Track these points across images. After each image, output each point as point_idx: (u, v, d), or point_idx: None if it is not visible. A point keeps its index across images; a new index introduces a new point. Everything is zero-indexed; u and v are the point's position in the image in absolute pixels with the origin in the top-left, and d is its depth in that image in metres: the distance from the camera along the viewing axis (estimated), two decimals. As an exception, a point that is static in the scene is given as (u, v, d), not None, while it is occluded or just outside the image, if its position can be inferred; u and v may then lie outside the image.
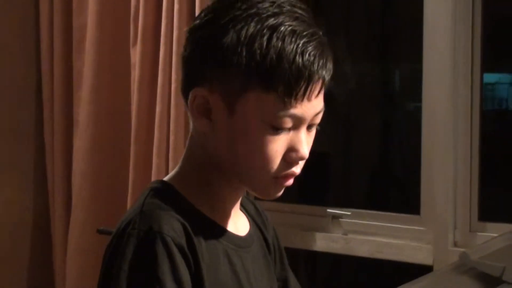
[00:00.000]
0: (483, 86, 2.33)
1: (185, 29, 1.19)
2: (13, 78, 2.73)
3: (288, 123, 1.08)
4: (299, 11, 1.10)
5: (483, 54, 2.24)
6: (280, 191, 1.14)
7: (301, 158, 1.10)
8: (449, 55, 2.21)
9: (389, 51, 3.14)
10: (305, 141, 1.10)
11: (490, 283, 1.15)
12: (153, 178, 2.44)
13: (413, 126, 2.60)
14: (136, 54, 2.47)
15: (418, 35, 2.27)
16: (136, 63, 2.46)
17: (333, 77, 1.12)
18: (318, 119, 1.12)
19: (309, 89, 1.06)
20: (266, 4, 1.08)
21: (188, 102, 1.11)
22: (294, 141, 1.09)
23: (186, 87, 1.13)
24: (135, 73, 2.46)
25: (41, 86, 2.73)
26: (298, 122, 1.09)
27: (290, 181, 1.13)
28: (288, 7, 1.09)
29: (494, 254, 1.26)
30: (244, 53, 1.06)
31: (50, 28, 2.67)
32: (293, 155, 1.09)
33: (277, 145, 1.08)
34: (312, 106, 1.09)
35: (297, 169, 1.12)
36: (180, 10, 2.33)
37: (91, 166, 2.58)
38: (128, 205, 2.56)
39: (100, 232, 2.43)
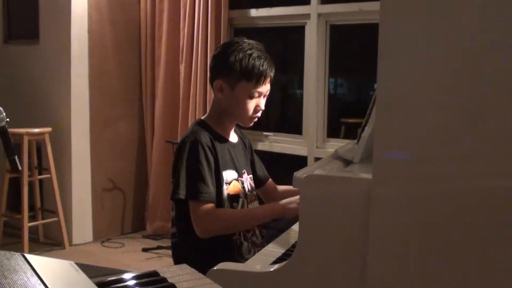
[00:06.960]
0: (329, 82, 3.45)
1: (212, 54, 1.76)
2: (128, 63, 3.84)
3: (256, 94, 1.62)
4: (259, 46, 1.66)
5: (329, 69, 3.31)
6: (252, 122, 1.69)
7: (261, 110, 1.65)
8: (315, 68, 3.29)
9: (288, 69, 4.25)
10: (263, 102, 1.66)
11: (347, 163, 1.44)
12: (190, 119, 3.64)
13: (298, 99, 3.52)
14: (182, 69, 3.70)
15: (303, 60, 3.27)
16: (182, 70, 3.76)
17: (274, 76, 1.65)
18: (267, 93, 1.66)
19: (265, 80, 1.61)
20: (245, 44, 1.65)
21: (213, 86, 1.66)
22: (258, 102, 1.65)
23: (212, 79, 1.68)
24: (182, 68, 3.76)
25: (141, 67, 3.90)
26: (259, 94, 1.62)
27: (256, 119, 1.68)
28: (255, 45, 1.65)
29: (348, 150, 1.56)
30: (238, 66, 1.61)
31: (145, 38, 3.89)
32: (258, 108, 1.64)
33: (251, 104, 1.62)
34: (266, 87, 1.64)
35: (259, 114, 1.66)
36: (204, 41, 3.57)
37: (163, 111, 3.79)
38: (179, 130, 3.79)
39: (167, 141, 3.66)
